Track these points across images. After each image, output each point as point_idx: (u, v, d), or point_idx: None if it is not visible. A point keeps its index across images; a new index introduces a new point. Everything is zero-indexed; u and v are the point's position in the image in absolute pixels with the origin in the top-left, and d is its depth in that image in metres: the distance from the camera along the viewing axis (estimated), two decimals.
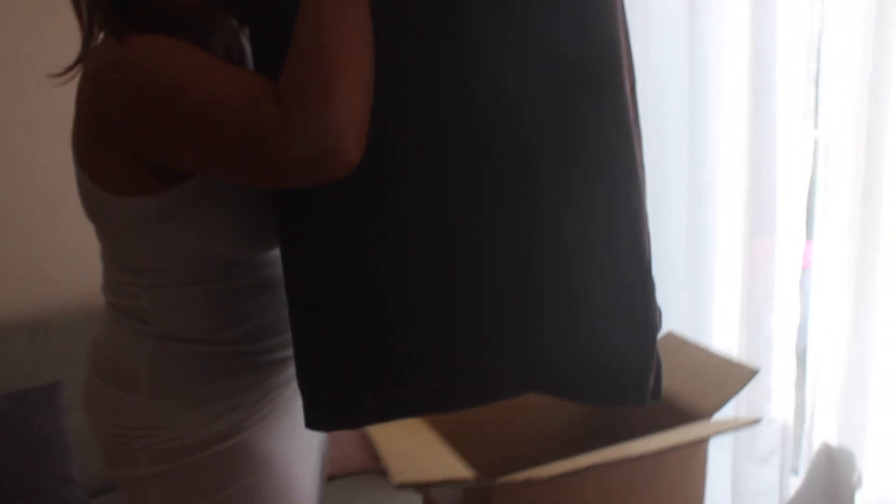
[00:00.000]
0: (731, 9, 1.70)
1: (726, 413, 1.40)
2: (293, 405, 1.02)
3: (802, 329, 1.71)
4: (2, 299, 1.89)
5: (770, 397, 1.72)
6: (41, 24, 1.89)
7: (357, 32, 0.78)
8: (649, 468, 1.15)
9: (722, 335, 1.83)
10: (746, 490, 1.80)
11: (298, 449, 1.05)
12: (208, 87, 0.79)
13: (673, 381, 1.30)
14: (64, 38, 0.94)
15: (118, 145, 0.85)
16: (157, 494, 0.98)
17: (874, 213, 1.49)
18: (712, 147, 1.78)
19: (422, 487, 1.15)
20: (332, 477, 1.82)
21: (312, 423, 0.91)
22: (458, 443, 1.26)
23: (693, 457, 1.16)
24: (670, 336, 1.52)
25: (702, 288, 1.90)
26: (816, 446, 1.63)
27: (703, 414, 1.21)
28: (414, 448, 1.16)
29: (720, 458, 1.76)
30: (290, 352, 0.97)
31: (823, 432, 1.63)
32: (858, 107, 1.48)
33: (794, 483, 1.70)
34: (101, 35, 0.88)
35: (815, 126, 1.61)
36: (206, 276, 0.92)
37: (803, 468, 1.68)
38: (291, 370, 0.99)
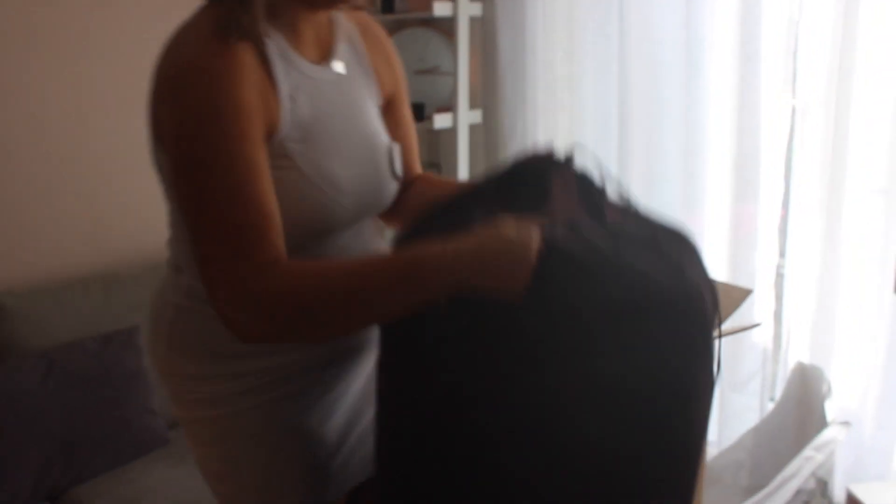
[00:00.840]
0: None
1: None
2: (326, 379, 0.99)
3: (780, 267, 1.91)
4: (81, 256, 2.05)
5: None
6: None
7: (393, 310, 0.77)
8: None
9: (711, 273, 2.02)
10: (732, 412, 1.99)
11: (328, 416, 1.01)
12: (221, 200, 0.75)
13: None
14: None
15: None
16: (190, 438, 1.01)
17: (841, 167, 1.70)
18: (706, 109, 1.93)
19: None
20: None
21: None
22: None
23: None
24: None
25: (693, 230, 2.06)
26: (791, 366, 1.84)
27: None
28: None
29: None
30: None
31: (797, 354, 1.85)
32: (829, 78, 1.68)
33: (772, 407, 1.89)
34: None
35: (793, 94, 1.80)
36: None
37: (780, 395, 1.86)
38: (319, 349, 0.97)
